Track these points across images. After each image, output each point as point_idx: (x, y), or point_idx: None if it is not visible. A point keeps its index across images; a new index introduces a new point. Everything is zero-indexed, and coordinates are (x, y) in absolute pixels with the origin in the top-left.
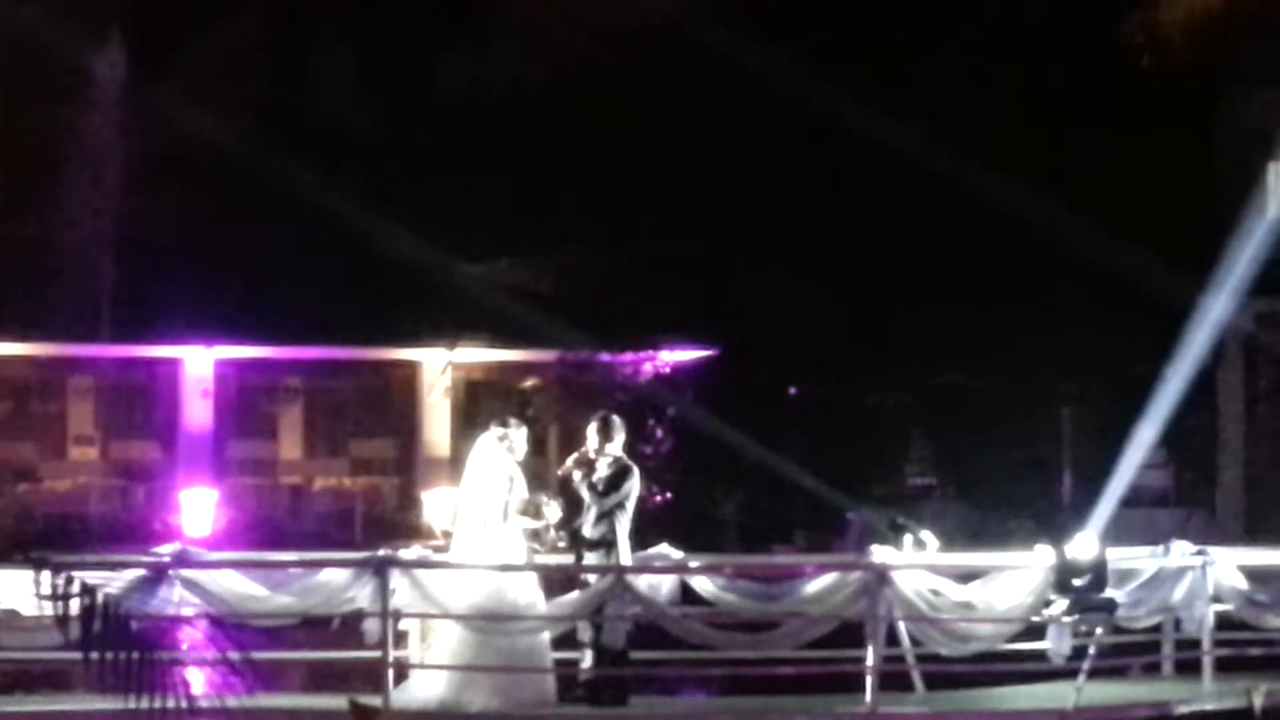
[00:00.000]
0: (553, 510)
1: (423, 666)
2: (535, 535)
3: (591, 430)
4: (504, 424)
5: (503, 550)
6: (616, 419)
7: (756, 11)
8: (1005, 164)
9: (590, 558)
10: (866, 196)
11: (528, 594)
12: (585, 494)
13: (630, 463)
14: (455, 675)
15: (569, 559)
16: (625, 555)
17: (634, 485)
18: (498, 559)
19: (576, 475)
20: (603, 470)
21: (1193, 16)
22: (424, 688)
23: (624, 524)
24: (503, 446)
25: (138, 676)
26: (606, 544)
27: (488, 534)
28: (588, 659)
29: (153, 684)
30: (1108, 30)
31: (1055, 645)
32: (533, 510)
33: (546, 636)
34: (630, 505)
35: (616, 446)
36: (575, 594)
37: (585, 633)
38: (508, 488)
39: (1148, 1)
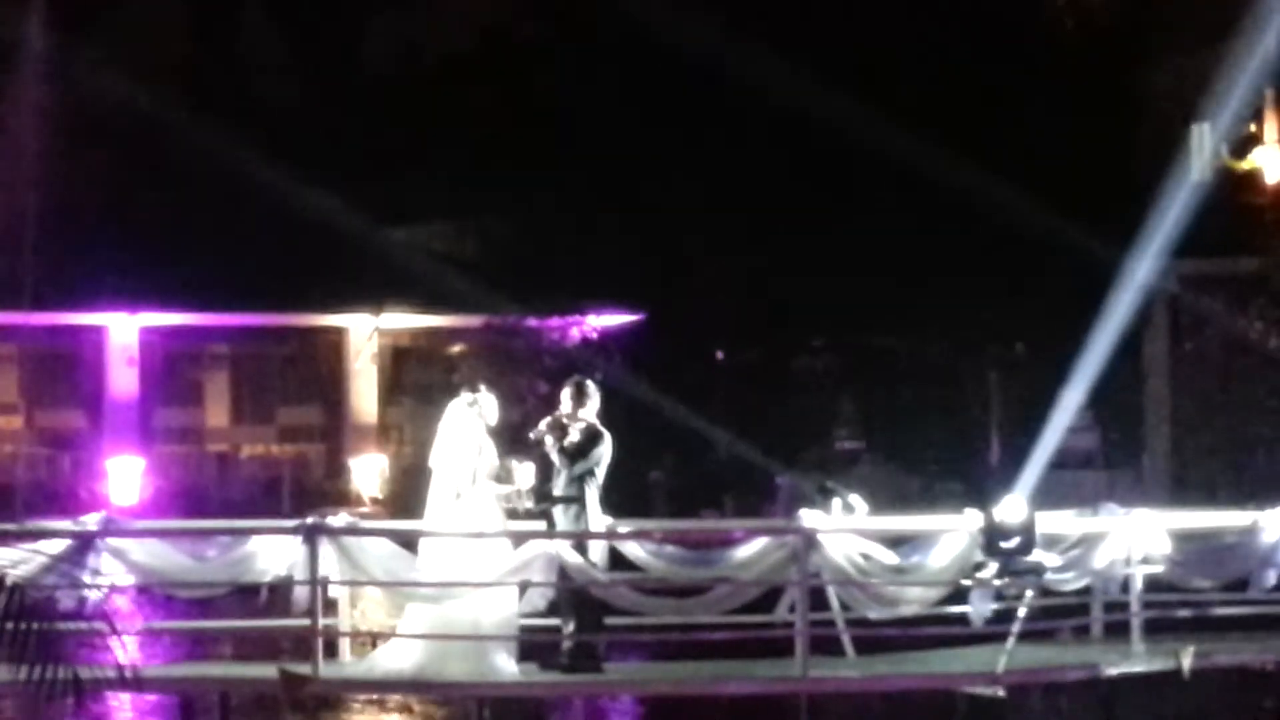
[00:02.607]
0: (524, 474)
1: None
2: (506, 500)
3: (565, 395)
4: (474, 389)
5: (475, 517)
6: (590, 384)
7: None
8: (930, 128)
9: (560, 521)
10: (793, 161)
11: (493, 560)
12: (556, 458)
13: (602, 428)
14: (426, 645)
15: (536, 524)
16: (595, 520)
17: (605, 450)
18: (469, 526)
19: (549, 439)
20: (574, 435)
21: None
22: (402, 658)
23: (594, 489)
24: (473, 412)
25: (41, 652)
26: (576, 508)
27: (460, 500)
28: (569, 627)
29: (57, 657)
30: None
31: (976, 608)
32: (504, 475)
33: (501, 605)
34: (601, 471)
35: (590, 411)
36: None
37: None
38: (478, 454)
39: None
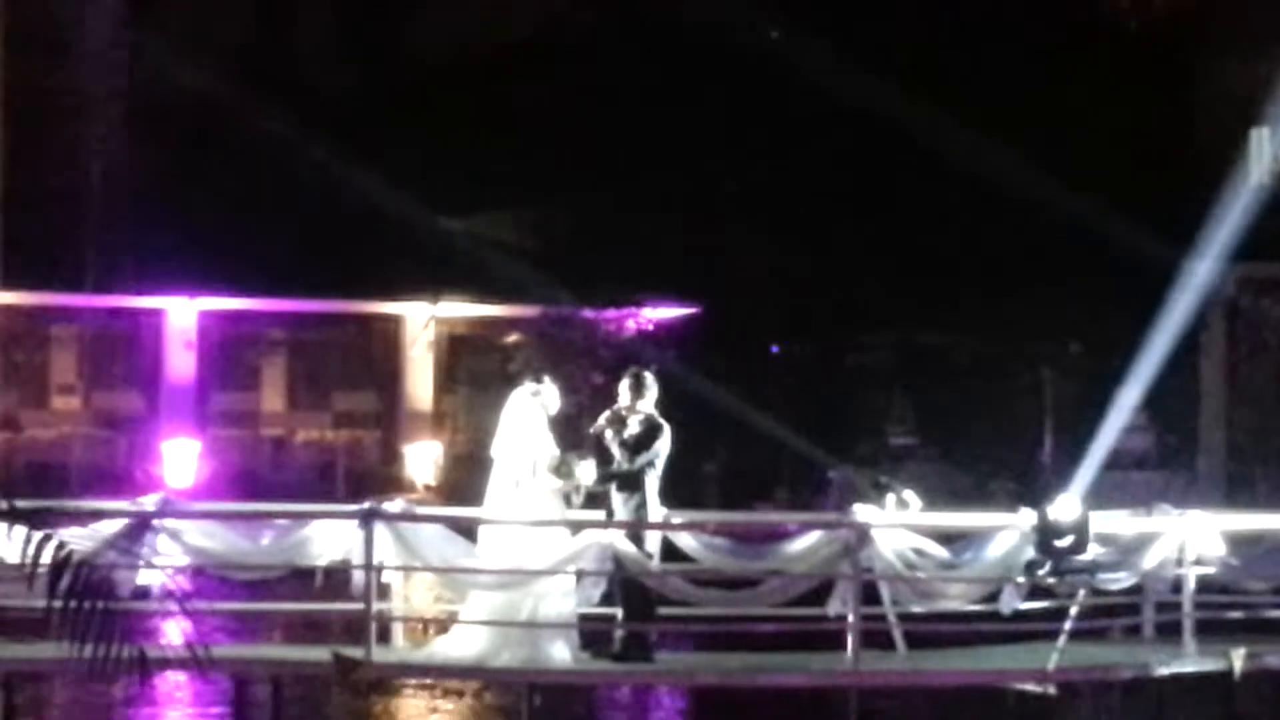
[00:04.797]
0: (585, 470)
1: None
2: (566, 495)
3: (624, 387)
4: (538, 379)
5: (534, 507)
6: (649, 376)
7: None
8: (991, 127)
9: (619, 511)
10: (851, 156)
11: (551, 550)
12: (616, 451)
13: (661, 420)
14: (489, 632)
15: (593, 514)
16: (654, 511)
17: (664, 443)
18: (528, 516)
19: (609, 433)
20: (634, 428)
21: None
22: (457, 644)
23: (654, 481)
24: (536, 402)
25: (105, 630)
26: (636, 499)
27: (520, 491)
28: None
29: (121, 636)
30: None
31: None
32: (565, 469)
33: (558, 594)
34: (660, 463)
35: (649, 403)
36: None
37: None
38: (539, 445)
39: None
